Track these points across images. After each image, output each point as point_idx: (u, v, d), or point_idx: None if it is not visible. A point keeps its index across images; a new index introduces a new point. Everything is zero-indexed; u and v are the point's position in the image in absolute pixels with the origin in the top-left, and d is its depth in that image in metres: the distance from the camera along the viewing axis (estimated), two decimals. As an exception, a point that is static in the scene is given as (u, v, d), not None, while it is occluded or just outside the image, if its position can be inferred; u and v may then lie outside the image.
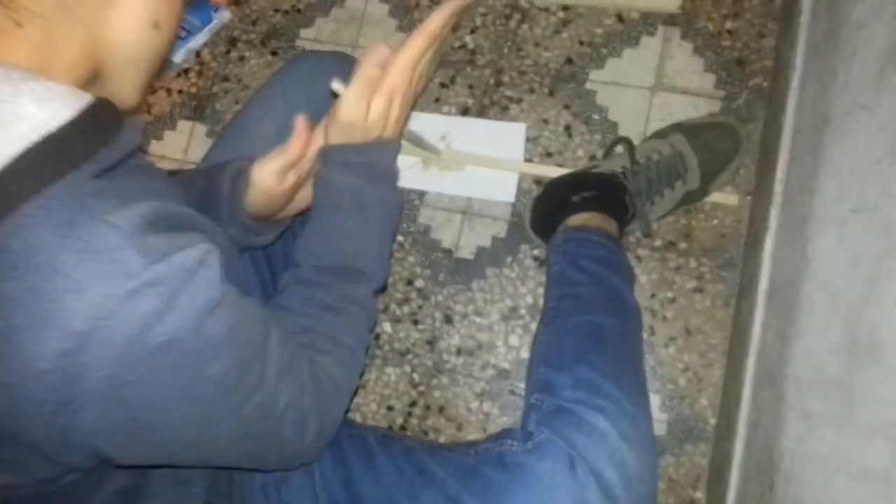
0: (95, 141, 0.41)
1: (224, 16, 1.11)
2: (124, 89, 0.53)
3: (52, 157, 0.38)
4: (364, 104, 0.61)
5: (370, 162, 0.63)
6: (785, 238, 0.81)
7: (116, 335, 0.37)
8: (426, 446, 0.66)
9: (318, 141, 0.65)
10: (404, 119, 0.67)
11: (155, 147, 1.13)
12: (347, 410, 0.64)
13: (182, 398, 0.43)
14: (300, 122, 0.63)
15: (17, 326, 0.36)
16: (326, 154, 0.64)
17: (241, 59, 1.12)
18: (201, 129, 1.12)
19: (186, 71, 1.13)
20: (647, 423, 0.66)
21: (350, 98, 0.61)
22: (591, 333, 0.71)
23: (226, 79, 1.12)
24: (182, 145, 1.12)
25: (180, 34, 1.09)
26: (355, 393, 0.69)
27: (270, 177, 0.64)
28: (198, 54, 1.13)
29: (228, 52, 1.13)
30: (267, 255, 0.80)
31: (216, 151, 0.81)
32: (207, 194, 0.66)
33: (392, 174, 0.66)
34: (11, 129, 0.37)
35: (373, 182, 0.63)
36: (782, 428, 0.69)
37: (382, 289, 0.67)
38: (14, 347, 0.36)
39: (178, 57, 1.10)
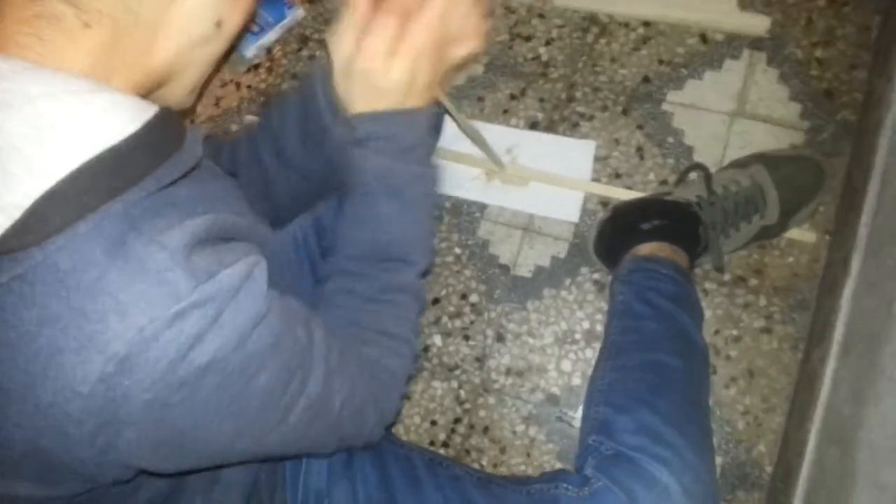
0: (157, 157, 0.39)
1: (297, 13, 1.11)
2: (178, 91, 0.52)
3: (111, 173, 0.37)
4: (350, 36, 0.56)
5: (394, 135, 0.58)
6: (867, 289, 0.75)
7: (160, 358, 0.36)
8: (475, 477, 0.64)
9: None
10: (435, 85, 0.61)
11: (220, 139, 1.13)
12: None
13: (228, 414, 0.42)
14: None
15: (61, 347, 0.35)
16: (349, 126, 0.58)
17: (312, 57, 1.12)
18: (267, 124, 1.12)
19: (257, 66, 1.13)
20: (710, 475, 0.62)
21: (337, 34, 0.57)
22: (654, 374, 0.68)
23: (295, 76, 1.11)
24: (247, 139, 1.12)
25: (253, 29, 1.09)
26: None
27: (348, 42, 0.57)
28: (269, 50, 1.13)
29: (300, 49, 1.13)
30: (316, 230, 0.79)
31: None
32: (306, 105, 0.62)
33: (422, 148, 0.60)
34: (76, 142, 0.36)
35: (401, 160, 0.58)
36: (850, 495, 0.65)
37: (428, 270, 0.64)
38: (56, 368, 0.35)
39: (250, 52, 1.10)
